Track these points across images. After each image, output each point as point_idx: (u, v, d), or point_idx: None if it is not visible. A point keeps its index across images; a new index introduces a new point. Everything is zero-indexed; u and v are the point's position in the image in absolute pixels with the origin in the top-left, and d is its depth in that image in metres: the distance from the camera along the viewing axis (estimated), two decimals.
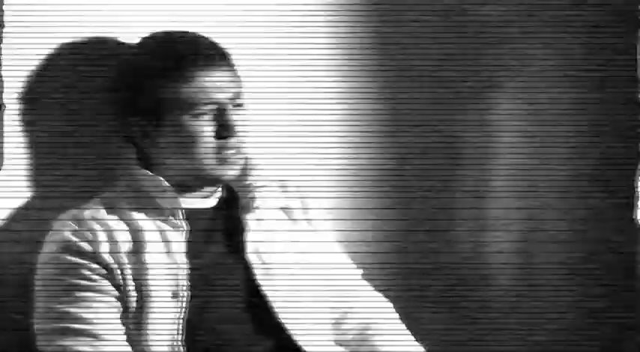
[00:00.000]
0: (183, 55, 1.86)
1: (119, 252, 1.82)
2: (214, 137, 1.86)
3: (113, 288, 1.82)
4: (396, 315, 2.06)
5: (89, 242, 1.82)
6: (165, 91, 1.85)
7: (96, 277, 1.81)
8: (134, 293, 1.82)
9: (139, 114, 1.88)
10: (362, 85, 2.21)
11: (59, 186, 1.95)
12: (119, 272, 1.82)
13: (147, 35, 1.93)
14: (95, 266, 1.81)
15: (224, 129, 1.86)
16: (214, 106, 1.86)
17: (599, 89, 2.30)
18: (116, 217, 1.86)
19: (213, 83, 1.85)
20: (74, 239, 1.82)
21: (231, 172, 1.89)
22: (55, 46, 1.95)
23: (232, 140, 1.86)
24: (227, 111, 1.86)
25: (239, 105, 1.89)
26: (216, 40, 1.91)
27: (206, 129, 1.85)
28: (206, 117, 1.86)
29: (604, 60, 2.30)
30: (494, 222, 2.29)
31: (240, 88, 1.90)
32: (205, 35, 1.91)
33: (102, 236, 1.83)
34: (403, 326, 2.04)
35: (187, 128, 1.85)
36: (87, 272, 1.81)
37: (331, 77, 2.18)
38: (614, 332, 2.34)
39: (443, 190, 2.27)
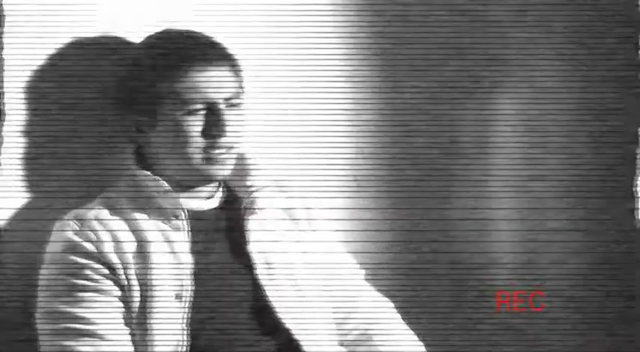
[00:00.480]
0: (180, 52, 1.87)
1: (122, 253, 1.82)
2: (204, 136, 1.85)
3: (116, 289, 1.81)
4: (398, 315, 2.06)
5: (92, 242, 1.81)
6: (160, 88, 1.85)
7: (99, 277, 1.81)
8: (138, 294, 1.81)
9: (135, 111, 1.88)
10: (364, 85, 2.21)
11: (61, 187, 1.94)
12: (122, 272, 1.81)
13: (151, 33, 1.93)
14: (98, 266, 1.81)
15: (214, 129, 1.85)
16: (207, 105, 1.85)
17: (601, 90, 2.30)
18: (119, 218, 1.85)
19: (207, 82, 1.85)
20: (77, 239, 1.82)
21: (220, 172, 1.88)
22: (55, 46, 1.94)
23: (222, 140, 1.86)
24: (219, 111, 1.86)
25: (235, 105, 1.89)
26: (220, 40, 1.91)
27: (196, 127, 1.85)
28: (198, 115, 1.85)
29: (606, 61, 2.30)
30: (495, 223, 2.29)
31: (240, 89, 1.90)
32: (208, 34, 1.91)
33: (105, 236, 1.82)
34: (405, 326, 2.04)
35: (178, 126, 1.85)
36: (90, 273, 1.80)
37: (332, 77, 2.18)
38: (615, 333, 2.34)
39: (444, 190, 2.28)
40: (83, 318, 1.78)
